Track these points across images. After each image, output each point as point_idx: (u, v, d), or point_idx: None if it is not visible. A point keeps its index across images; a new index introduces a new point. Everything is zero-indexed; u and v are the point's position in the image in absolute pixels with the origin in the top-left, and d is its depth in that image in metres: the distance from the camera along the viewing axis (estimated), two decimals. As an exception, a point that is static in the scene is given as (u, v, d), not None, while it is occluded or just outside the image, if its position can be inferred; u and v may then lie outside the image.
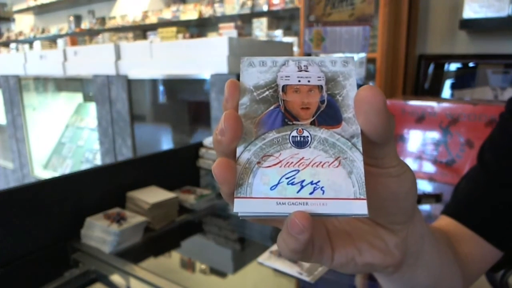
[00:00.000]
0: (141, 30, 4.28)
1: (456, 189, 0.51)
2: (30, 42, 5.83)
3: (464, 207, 0.47)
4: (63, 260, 0.82)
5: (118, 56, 1.91)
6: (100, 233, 0.82)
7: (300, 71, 0.25)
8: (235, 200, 0.22)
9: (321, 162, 0.22)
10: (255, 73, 0.25)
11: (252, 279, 0.75)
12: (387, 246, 0.27)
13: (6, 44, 6.39)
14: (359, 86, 0.23)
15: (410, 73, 1.88)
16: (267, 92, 0.24)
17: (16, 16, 6.01)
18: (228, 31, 3.19)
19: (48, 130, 2.90)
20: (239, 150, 0.23)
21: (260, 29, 3.06)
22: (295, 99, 0.24)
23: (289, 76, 0.25)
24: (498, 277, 0.62)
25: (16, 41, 6.10)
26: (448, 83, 1.80)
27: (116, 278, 0.75)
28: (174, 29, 3.69)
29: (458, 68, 1.80)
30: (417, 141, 1.22)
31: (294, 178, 0.22)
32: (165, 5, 3.97)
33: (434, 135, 1.19)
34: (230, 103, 0.24)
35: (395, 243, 0.27)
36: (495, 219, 0.45)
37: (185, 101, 2.00)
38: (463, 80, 1.76)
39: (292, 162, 0.23)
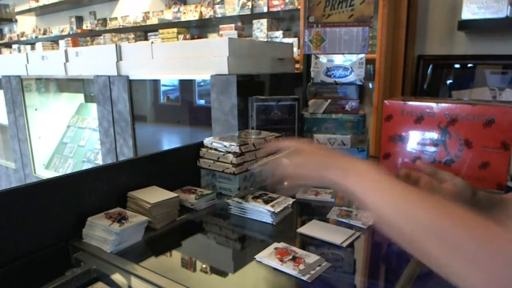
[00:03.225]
0: (142, 31, 4.29)
1: None
2: (32, 43, 5.86)
3: None
4: (64, 259, 0.82)
5: (119, 57, 1.92)
6: (101, 232, 0.83)
7: None
8: None
9: None
10: None
11: (252, 278, 0.76)
12: None
13: (8, 45, 6.42)
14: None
15: (409, 74, 1.89)
16: None
17: (18, 17, 6.02)
18: (229, 32, 3.20)
19: (50, 130, 2.91)
20: None
21: (260, 30, 3.06)
22: None
23: None
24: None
25: (18, 42, 6.13)
26: (447, 84, 1.81)
27: (117, 277, 0.75)
28: (174, 30, 3.70)
29: (457, 69, 1.80)
30: (416, 141, 1.22)
31: None
32: (166, 6, 3.98)
33: (433, 135, 1.19)
34: None
35: None
36: None
37: (186, 101, 2.01)
38: (461, 81, 1.77)
39: None
